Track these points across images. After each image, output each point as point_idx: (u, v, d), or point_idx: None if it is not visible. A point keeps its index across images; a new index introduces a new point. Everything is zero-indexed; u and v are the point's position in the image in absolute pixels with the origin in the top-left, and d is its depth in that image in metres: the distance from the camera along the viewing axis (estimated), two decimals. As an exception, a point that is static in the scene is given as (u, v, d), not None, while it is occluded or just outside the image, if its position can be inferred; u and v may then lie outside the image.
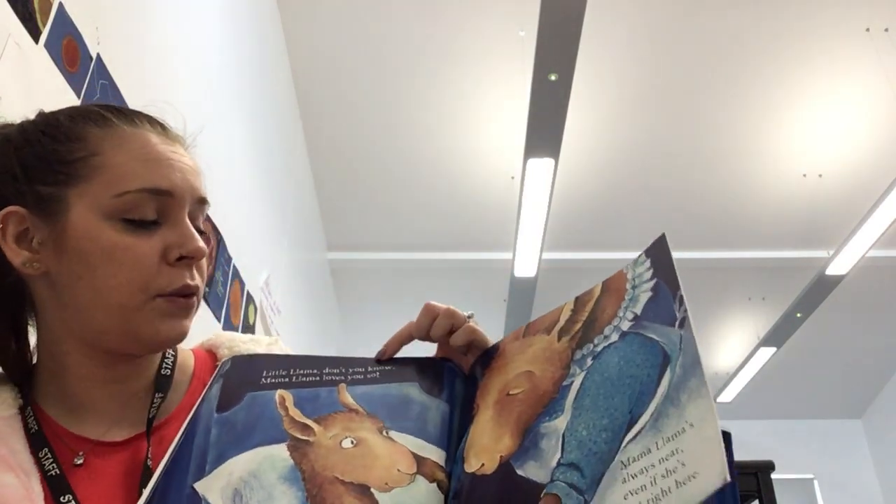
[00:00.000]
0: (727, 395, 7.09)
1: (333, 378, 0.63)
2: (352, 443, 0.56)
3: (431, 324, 0.66)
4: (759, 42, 3.77)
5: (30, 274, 0.59)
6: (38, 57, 1.31)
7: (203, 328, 0.71)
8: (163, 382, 0.65)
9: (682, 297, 0.52)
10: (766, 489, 1.72)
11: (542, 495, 0.49)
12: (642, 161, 4.57)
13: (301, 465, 0.55)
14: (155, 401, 0.63)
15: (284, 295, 3.53)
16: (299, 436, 0.57)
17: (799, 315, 5.61)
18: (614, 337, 0.55)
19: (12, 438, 0.57)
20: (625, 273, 0.60)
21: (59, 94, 1.37)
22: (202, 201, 0.64)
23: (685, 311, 0.51)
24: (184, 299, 0.60)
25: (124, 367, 0.63)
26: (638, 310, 0.55)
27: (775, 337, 6.00)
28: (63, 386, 0.62)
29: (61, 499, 0.54)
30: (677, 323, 0.51)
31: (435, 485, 0.54)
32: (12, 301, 0.63)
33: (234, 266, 2.57)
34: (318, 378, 0.63)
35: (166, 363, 0.67)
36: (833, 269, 4.76)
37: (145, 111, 0.66)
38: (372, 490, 0.52)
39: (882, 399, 7.48)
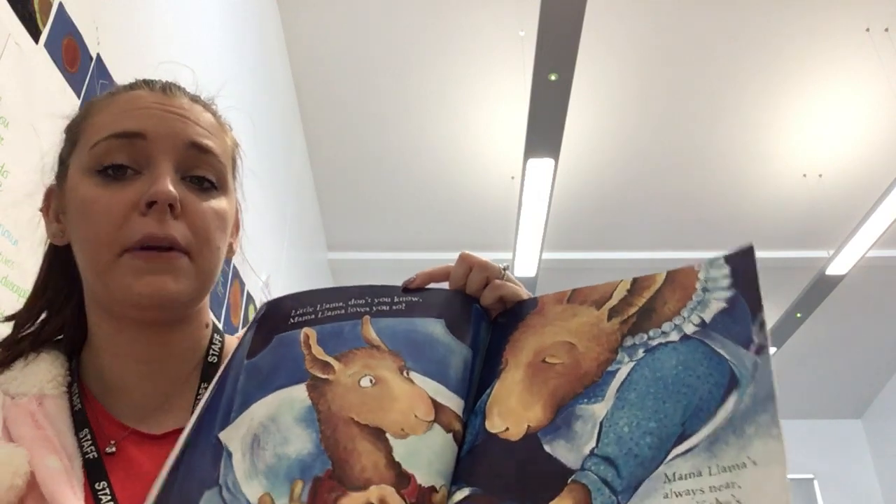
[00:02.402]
0: (727, 395, 7.07)
1: (358, 310, 0.61)
2: (370, 381, 0.55)
3: (467, 275, 0.62)
4: (758, 42, 3.77)
5: (59, 245, 0.60)
6: (38, 57, 1.31)
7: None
8: (209, 371, 0.61)
9: (763, 322, 0.48)
10: (767, 489, 1.72)
11: (569, 481, 0.47)
12: (642, 161, 4.57)
13: (318, 404, 0.53)
14: (200, 392, 0.59)
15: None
16: (319, 374, 0.56)
17: (799, 315, 5.60)
18: (674, 336, 0.51)
19: (59, 419, 0.55)
20: (696, 270, 0.54)
21: (59, 94, 1.37)
22: (194, 146, 0.58)
23: (765, 338, 0.47)
24: (156, 252, 0.54)
25: (154, 342, 0.59)
26: (707, 317, 0.51)
27: (775, 337, 5.99)
28: (99, 361, 0.60)
29: (96, 485, 0.52)
30: (754, 348, 0.47)
31: (451, 435, 0.52)
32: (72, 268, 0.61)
33: (233, 266, 2.57)
34: (343, 311, 0.61)
35: (213, 350, 0.63)
36: (833, 269, 4.76)
37: (159, 73, 0.65)
38: (387, 435, 0.51)
39: (882, 399, 7.48)
